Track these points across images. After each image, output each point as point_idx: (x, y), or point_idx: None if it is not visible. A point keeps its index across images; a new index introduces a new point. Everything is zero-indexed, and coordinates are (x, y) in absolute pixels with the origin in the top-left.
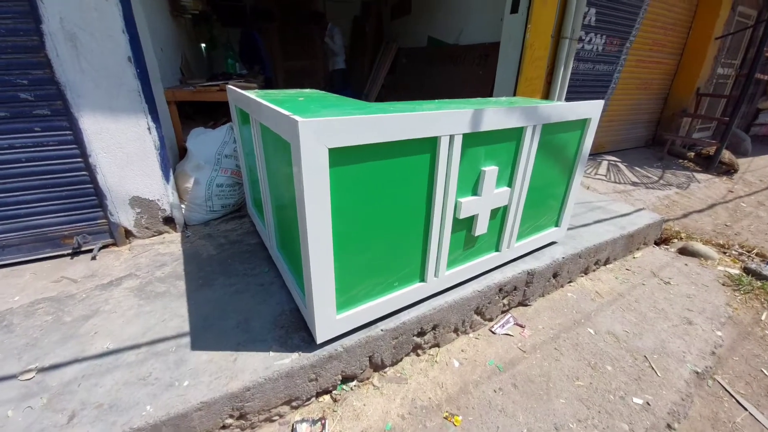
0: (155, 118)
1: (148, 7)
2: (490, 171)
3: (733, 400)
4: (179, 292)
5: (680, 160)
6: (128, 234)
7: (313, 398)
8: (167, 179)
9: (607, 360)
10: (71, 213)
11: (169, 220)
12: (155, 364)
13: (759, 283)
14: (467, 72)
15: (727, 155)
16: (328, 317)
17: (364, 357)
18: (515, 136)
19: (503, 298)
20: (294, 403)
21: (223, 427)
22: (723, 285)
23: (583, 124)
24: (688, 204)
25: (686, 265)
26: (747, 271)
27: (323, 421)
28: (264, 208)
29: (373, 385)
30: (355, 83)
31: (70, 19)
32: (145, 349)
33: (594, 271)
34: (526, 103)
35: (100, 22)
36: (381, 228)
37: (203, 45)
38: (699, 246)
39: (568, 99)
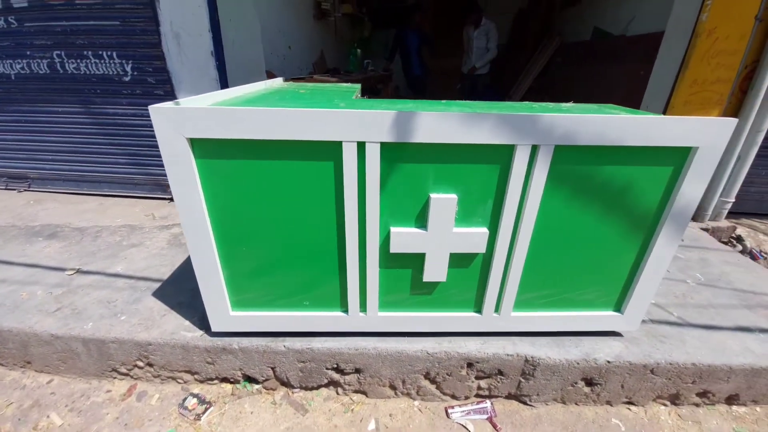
0: None
1: (282, 10)
2: (444, 200)
3: None
4: None
5: None
6: None
7: (216, 380)
8: None
9: None
10: None
11: None
12: (125, 294)
13: None
14: (628, 72)
15: None
16: (220, 310)
17: (265, 366)
18: (499, 157)
19: (478, 378)
20: (196, 376)
21: (137, 366)
22: None
23: (680, 156)
24: None
25: None
26: None
27: (209, 406)
28: None
29: (274, 401)
30: (503, 84)
31: (176, 22)
32: (132, 281)
33: (697, 406)
34: (553, 110)
35: (194, 24)
36: (276, 236)
37: (356, 44)
38: None
39: None
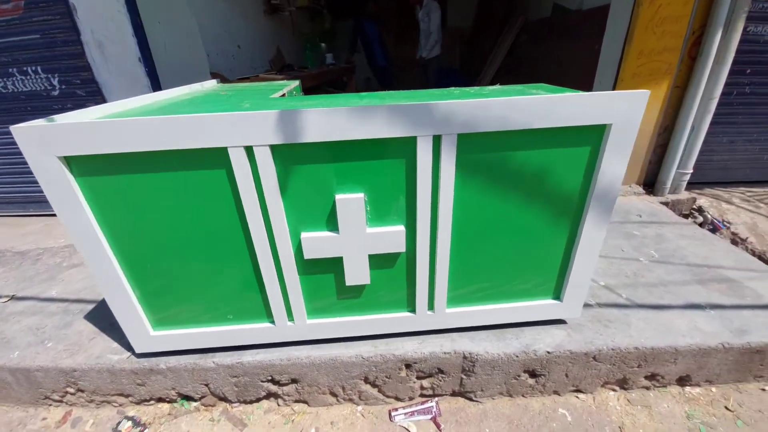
0: None
1: (224, 8)
2: (350, 200)
3: None
4: None
5: None
6: None
7: (152, 401)
8: None
9: None
10: None
11: None
12: (56, 319)
13: None
14: (584, 47)
15: None
16: (139, 331)
17: (198, 383)
18: (401, 150)
19: (419, 379)
20: (130, 398)
21: (68, 393)
22: None
23: (596, 135)
24: None
25: None
26: None
27: (143, 429)
28: None
29: (212, 417)
30: (473, 67)
31: (97, 29)
32: (65, 305)
33: (646, 389)
34: (478, 95)
35: (115, 30)
36: (181, 250)
37: (317, 37)
38: None
39: (737, 89)
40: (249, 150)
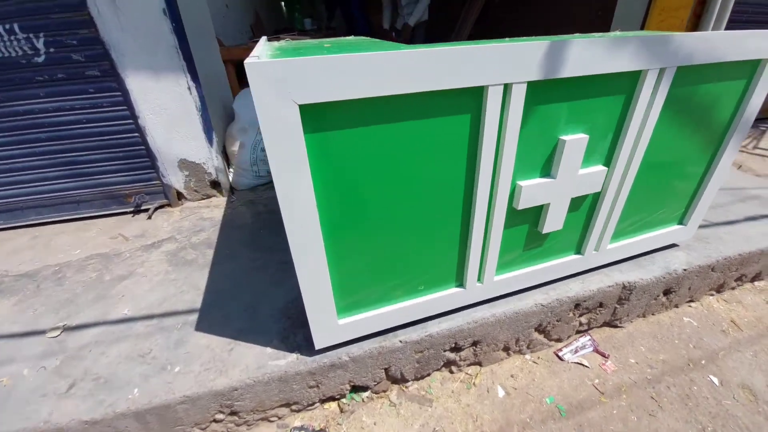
0: (194, 76)
1: None
2: (575, 141)
3: None
4: (205, 262)
5: None
6: (180, 196)
7: (317, 404)
8: (210, 142)
9: (735, 428)
10: (130, 173)
11: (216, 184)
12: (158, 339)
13: None
14: (580, 7)
15: None
16: (326, 323)
17: (378, 369)
18: (625, 86)
19: (580, 316)
20: (294, 407)
21: (215, 421)
22: None
23: (751, 68)
24: None
25: None
26: None
27: None
28: None
29: (390, 401)
30: (436, 37)
31: None
32: (155, 321)
33: (733, 289)
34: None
35: None
36: (396, 217)
37: (282, 2)
38: None
39: None
40: (506, 89)
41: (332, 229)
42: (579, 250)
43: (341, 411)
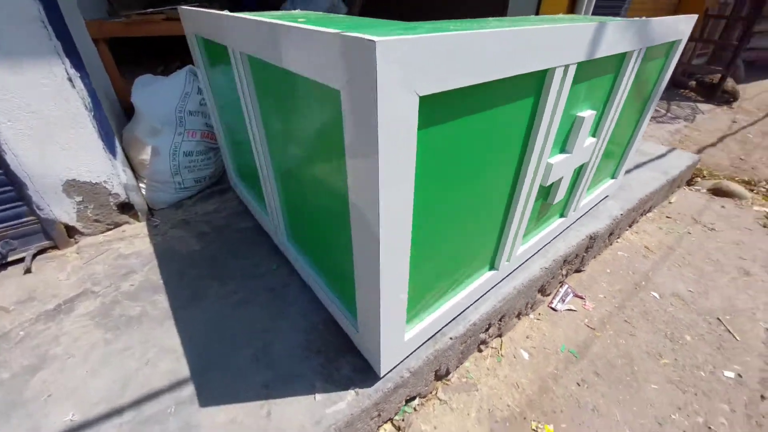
0: (77, 62)
1: None
2: (587, 117)
3: None
4: (161, 313)
5: (681, 90)
6: (72, 231)
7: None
8: (113, 152)
9: (683, 328)
10: None
11: (126, 207)
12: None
13: None
14: None
15: (730, 84)
16: (396, 342)
17: (431, 373)
18: (616, 65)
19: (564, 270)
20: None
21: None
22: (764, 227)
23: (670, 48)
24: (700, 138)
25: (723, 207)
26: None
27: None
28: (263, 184)
29: (439, 399)
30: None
31: None
32: (131, 415)
33: (637, 223)
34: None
35: None
36: (464, 210)
37: None
38: (734, 186)
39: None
40: (565, 70)
41: (417, 232)
42: (563, 214)
43: (398, 429)
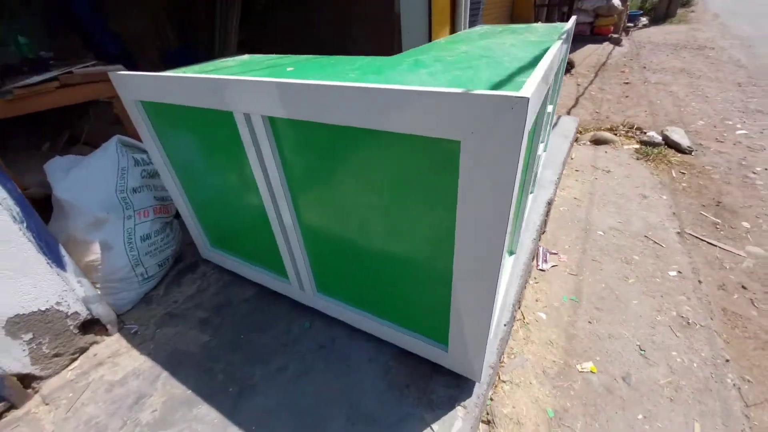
0: None
1: None
2: None
3: (704, 242)
4: (216, 426)
5: None
6: (28, 380)
7: None
8: (60, 264)
9: (628, 251)
10: None
11: (89, 325)
12: None
13: (656, 150)
14: (368, 8)
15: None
16: (486, 346)
17: (500, 362)
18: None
19: (539, 235)
20: None
21: None
22: (637, 160)
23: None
24: (561, 102)
25: (606, 152)
26: (643, 143)
27: None
28: (280, 242)
29: (503, 382)
30: (198, 45)
31: None
32: None
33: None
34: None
35: None
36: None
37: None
38: (606, 134)
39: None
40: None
41: None
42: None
43: (488, 423)
